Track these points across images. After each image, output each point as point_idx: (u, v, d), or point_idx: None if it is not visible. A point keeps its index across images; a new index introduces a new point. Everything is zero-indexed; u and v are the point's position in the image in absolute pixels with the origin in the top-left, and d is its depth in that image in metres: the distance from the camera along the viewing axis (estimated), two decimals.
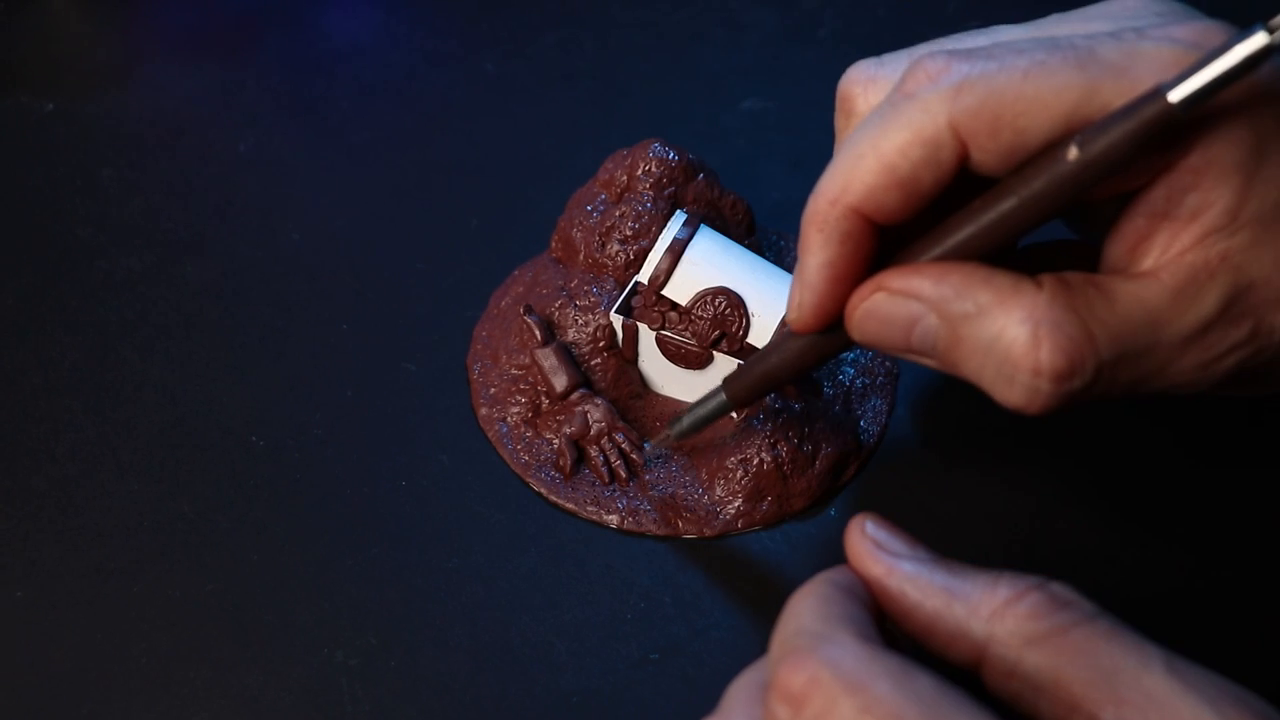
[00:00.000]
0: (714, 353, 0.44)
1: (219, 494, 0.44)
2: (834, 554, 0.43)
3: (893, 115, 0.32)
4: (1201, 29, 0.32)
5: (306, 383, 0.47)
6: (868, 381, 0.47)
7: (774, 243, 0.51)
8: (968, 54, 0.32)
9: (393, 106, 0.57)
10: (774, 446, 0.43)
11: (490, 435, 0.46)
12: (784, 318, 0.38)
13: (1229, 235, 0.32)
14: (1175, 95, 0.29)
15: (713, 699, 0.31)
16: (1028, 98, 0.31)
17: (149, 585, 0.42)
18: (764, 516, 0.43)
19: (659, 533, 0.43)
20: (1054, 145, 0.31)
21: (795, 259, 0.50)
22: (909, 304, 0.33)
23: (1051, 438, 0.45)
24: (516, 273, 0.50)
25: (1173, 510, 0.44)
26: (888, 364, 0.47)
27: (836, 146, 0.36)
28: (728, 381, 0.40)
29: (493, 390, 0.47)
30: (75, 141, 0.55)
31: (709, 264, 0.44)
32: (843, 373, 0.47)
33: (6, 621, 0.41)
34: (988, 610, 0.29)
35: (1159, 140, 0.30)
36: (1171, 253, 0.32)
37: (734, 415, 0.45)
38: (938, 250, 0.33)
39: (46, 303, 0.50)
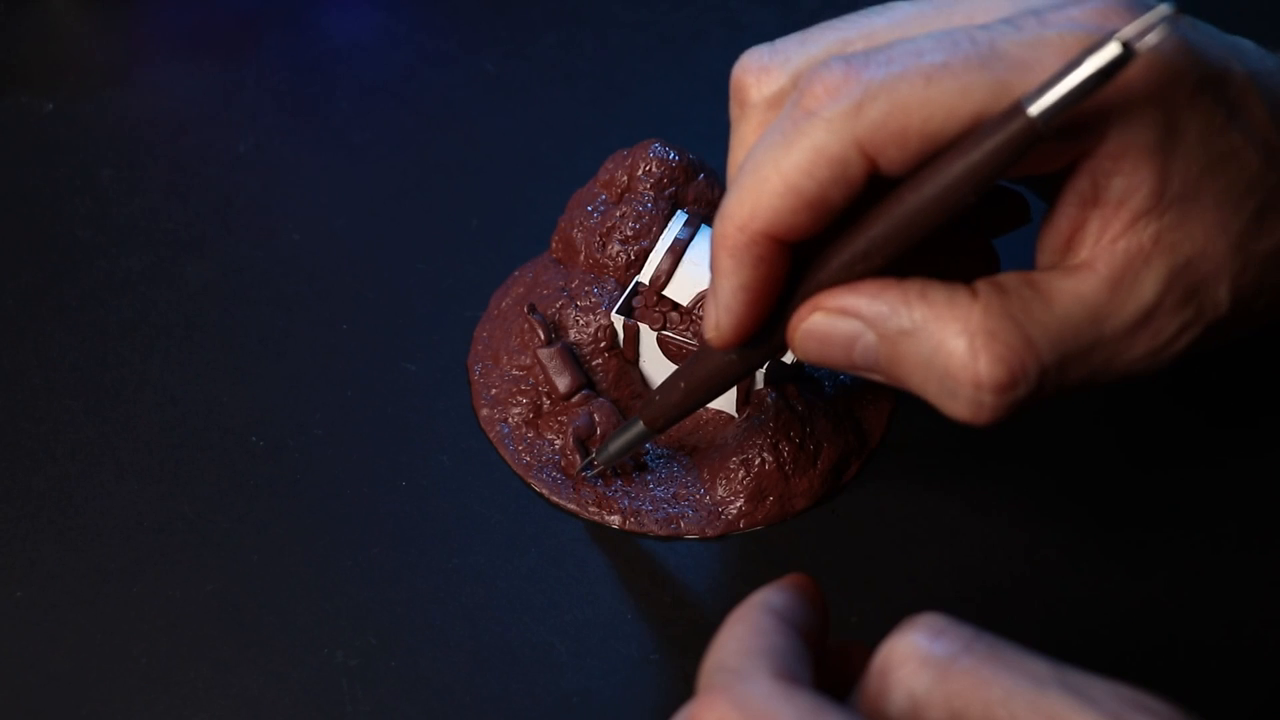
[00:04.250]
0: None
1: (219, 494, 0.44)
2: (835, 554, 0.43)
3: (795, 135, 0.31)
4: (1102, 9, 0.31)
5: (306, 383, 0.47)
6: (869, 381, 0.47)
7: None
8: (865, 60, 0.31)
9: (393, 106, 0.57)
10: (775, 446, 0.43)
11: (491, 436, 0.46)
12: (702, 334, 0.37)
13: (1158, 217, 0.32)
14: (1035, 109, 0.29)
15: None
16: (933, 103, 0.30)
17: (149, 585, 0.42)
18: (766, 516, 0.43)
19: (661, 533, 0.43)
20: (953, 144, 0.31)
21: None
22: (847, 322, 0.33)
23: (1054, 437, 0.45)
24: (517, 273, 0.50)
25: (1176, 509, 0.44)
26: None
27: (732, 139, 0.36)
28: (645, 407, 0.40)
29: (494, 391, 0.46)
30: (75, 141, 0.55)
31: (710, 264, 0.44)
32: (843, 372, 0.47)
33: (6, 621, 0.41)
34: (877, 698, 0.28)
35: (1030, 149, 0.30)
36: (1105, 240, 0.32)
37: (735, 415, 0.45)
38: (847, 256, 0.33)
39: (46, 303, 0.50)
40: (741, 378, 0.37)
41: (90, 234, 0.52)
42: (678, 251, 0.44)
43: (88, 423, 0.46)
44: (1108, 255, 0.32)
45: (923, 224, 0.31)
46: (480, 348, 0.48)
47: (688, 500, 0.44)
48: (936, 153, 0.31)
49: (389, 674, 0.40)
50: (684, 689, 0.40)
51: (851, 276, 0.33)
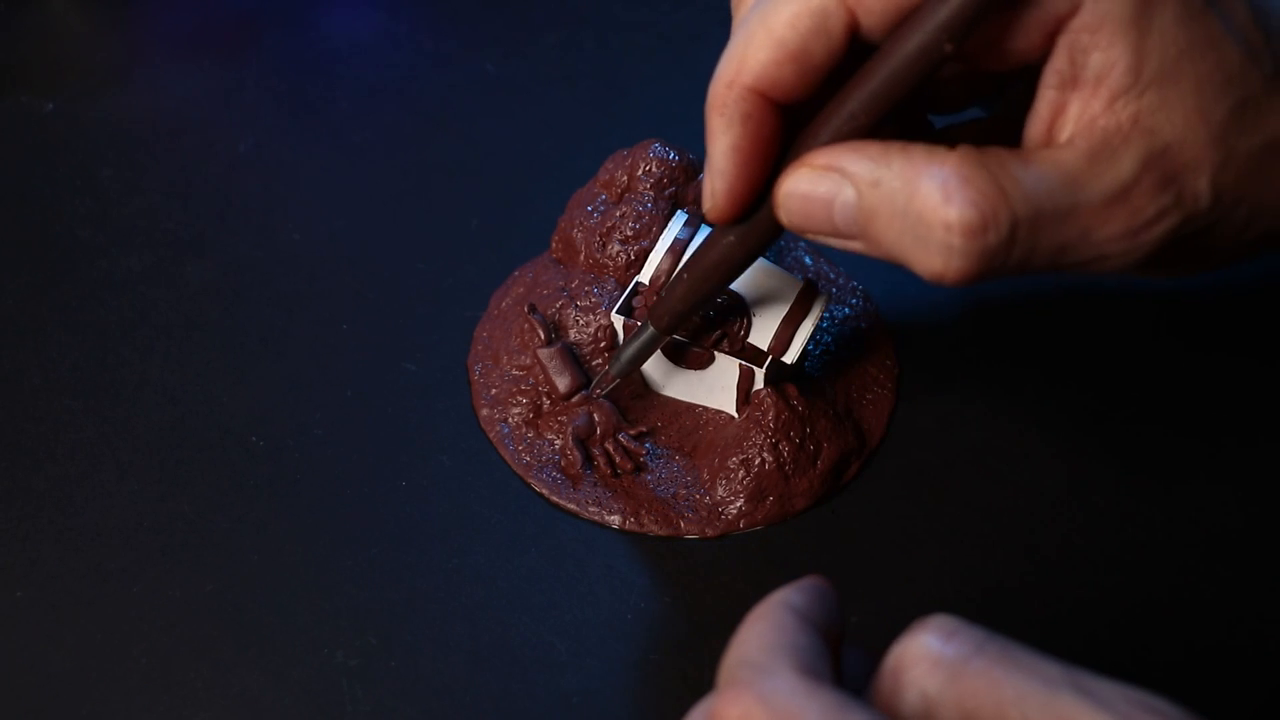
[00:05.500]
0: (715, 352, 0.44)
1: (219, 494, 0.44)
2: (835, 554, 0.43)
3: None
4: None
5: (306, 383, 0.47)
6: (869, 381, 0.47)
7: None
8: None
9: (393, 106, 0.57)
10: (775, 446, 0.43)
11: (491, 436, 0.46)
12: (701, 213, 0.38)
13: (1137, 96, 0.32)
14: None
15: None
16: None
17: (149, 585, 0.42)
18: (766, 516, 0.43)
19: (660, 533, 0.43)
20: None
21: (795, 259, 0.50)
22: (829, 177, 0.34)
23: (1054, 437, 0.45)
24: (517, 273, 0.50)
25: (1176, 510, 0.44)
26: (888, 363, 0.47)
27: (734, 20, 0.37)
28: (651, 310, 0.41)
29: (494, 391, 0.46)
30: (75, 141, 0.55)
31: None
32: (844, 372, 0.47)
33: (6, 621, 0.41)
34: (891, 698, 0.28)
35: None
36: (1084, 121, 0.33)
37: (735, 415, 0.45)
38: (836, 120, 0.34)
39: (46, 303, 0.50)
40: (741, 267, 0.38)
41: (90, 234, 0.52)
42: (678, 251, 0.44)
43: (88, 423, 0.46)
44: (1087, 133, 0.33)
45: (906, 77, 0.32)
46: (480, 348, 0.48)
47: (688, 500, 0.44)
48: (915, 8, 0.32)
49: (389, 674, 0.40)
50: (684, 689, 0.40)
51: (839, 140, 0.34)
